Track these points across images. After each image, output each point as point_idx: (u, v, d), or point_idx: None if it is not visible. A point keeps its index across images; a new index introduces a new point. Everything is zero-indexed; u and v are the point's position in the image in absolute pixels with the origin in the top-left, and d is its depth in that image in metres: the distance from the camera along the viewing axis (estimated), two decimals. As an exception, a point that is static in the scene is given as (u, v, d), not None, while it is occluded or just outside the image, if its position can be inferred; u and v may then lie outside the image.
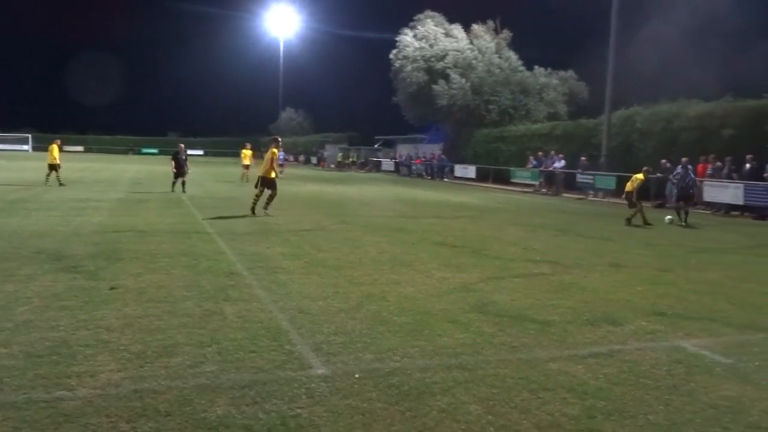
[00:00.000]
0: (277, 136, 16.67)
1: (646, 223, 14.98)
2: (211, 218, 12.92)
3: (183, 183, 19.77)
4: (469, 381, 4.22)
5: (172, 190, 19.54)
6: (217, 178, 26.50)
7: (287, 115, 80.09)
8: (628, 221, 14.98)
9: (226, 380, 4.06)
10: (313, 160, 59.52)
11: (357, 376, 4.23)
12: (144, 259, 8.10)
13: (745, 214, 19.05)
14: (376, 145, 56.12)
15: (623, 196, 16.49)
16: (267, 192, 14.00)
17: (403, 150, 48.81)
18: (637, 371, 4.55)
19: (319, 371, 4.31)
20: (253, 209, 13.76)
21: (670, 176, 19.27)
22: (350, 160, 52.41)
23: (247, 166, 27.45)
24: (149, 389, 3.88)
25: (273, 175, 14.09)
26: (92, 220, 11.93)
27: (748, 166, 19.46)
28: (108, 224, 11.45)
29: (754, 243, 12.69)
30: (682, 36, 36.92)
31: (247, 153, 27.98)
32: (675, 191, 16.41)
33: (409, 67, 42.20)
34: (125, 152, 79.41)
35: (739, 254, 10.94)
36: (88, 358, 4.38)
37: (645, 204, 16.29)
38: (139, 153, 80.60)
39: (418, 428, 3.50)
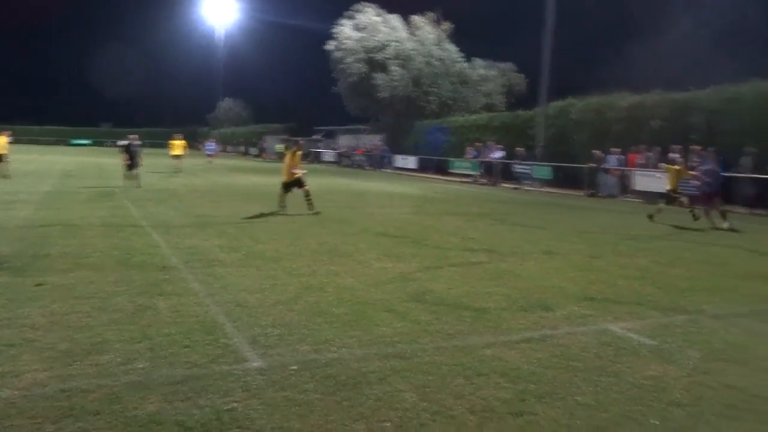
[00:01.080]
0: (299, 141, 16.27)
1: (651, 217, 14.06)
2: (145, 210, 12.57)
3: (136, 176, 18.98)
4: (405, 369, 4.26)
5: (123, 184, 18.78)
6: (153, 169, 25.77)
7: (226, 105, 78.62)
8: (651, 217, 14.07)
9: (159, 376, 3.97)
10: (253, 151, 58.64)
11: (294, 367, 4.21)
12: (73, 254, 7.82)
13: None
14: (316, 136, 55.74)
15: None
16: (300, 191, 13.55)
17: (345, 141, 48.69)
18: (568, 354, 4.69)
19: (255, 364, 4.27)
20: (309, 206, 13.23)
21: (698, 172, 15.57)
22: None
23: (177, 157, 27.15)
24: (77, 388, 3.76)
25: (294, 175, 13.73)
26: (19, 214, 11.43)
27: (674, 156, 20.25)
28: (36, 218, 10.99)
29: (681, 229, 13.24)
30: (618, 29, 38.13)
31: (177, 143, 27.68)
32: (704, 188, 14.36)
33: (349, 58, 42.04)
34: (56, 143, 76.27)
35: (666, 240, 11.40)
36: (12, 358, 4.21)
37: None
38: (69, 144, 77.51)
39: (354, 417, 3.52)
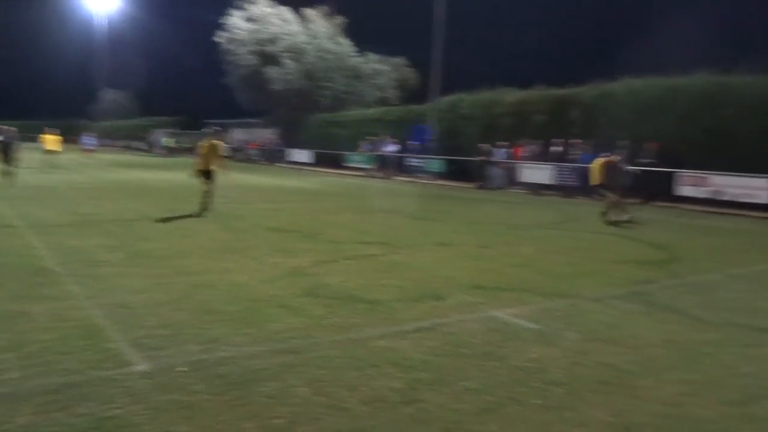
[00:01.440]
0: (217, 128, 14.74)
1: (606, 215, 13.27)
2: (20, 209, 11.70)
3: (12, 172, 17.48)
4: (298, 364, 4.24)
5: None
6: (28, 164, 24.02)
7: (110, 96, 74.49)
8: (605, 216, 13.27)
9: (32, 386, 3.71)
10: (142, 145, 55.98)
11: (182, 369, 4.07)
12: (-67, 259, 7.16)
13: (557, 192, 20.96)
14: (207, 129, 54.05)
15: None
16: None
17: (237, 135, 47.57)
18: (457, 342, 4.84)
19: (140, 368, 4.09)
20: None
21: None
22: (180, 145, 49.99)
23: (50, 152, 25.78)
24: (-63, 404, 3.45)
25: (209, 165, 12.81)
26: None
27: (556, 148, 21.40)
28: None
29: (562, 218, 14.02)
30: (504, 26, 39.61)
31: (50, 138, 26.14)
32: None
33: (240, 50, 41.08)
34: None
35: (549, 229, 12.02)
36: None
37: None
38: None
39: (245, 416, 3.45)
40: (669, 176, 18.00)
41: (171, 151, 47.84)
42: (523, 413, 3.62)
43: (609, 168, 13.24)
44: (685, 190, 17.37)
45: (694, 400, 3.89)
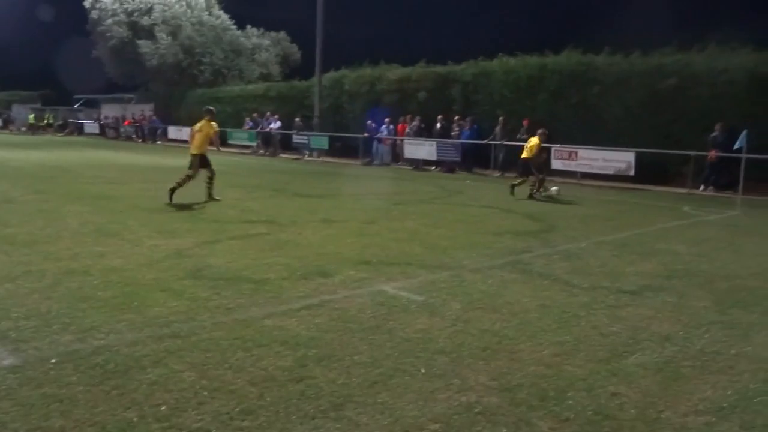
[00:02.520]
0: (211, 108, 12.57)
1: (532, 195, 13.41)
2: None
3: None
4: (182, 349, 4.09)
5: None
6: None
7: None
8: (513, 189, 13.55)
9: None
10: (-2, 122, 51.37)
11: (53, 361, 3.81)
12: None
13: (437, 168, 21.54)
14: (76, 105, 50.48)
15: (519, 164, 14.03)
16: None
17: (109, 110, 44.79)
18: (345, 317, 4.87)
19: (6, 362, 3.78)
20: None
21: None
22: (45, 121, 46.43)
23: None
24: None
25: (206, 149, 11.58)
26: None
27: (438, 125, 21.93)
28: None
29: (444, 193, 14.43)
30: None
31: None
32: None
33: (108, 20, 38.56)
34: None
35: (432, 204, 12.34)
36: None
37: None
38: None
39: (125, 405, 3.29)
40: (544, 151, 18.96)
41: (33, 129, 44.27)
42: (410, 383, 3.72)
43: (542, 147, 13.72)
44: (557, 164, 18.39)
45: (567, 360, 4.16)
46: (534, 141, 13.57)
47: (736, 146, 13.40)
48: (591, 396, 3.62)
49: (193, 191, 11.19)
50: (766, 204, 14.09)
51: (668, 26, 24.51)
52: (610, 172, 17.35)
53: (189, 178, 11.12)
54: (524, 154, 13.61)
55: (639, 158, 16.69)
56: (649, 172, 16.86)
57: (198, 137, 11.54)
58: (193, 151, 11.53)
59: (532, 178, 13.57)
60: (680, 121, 17.09)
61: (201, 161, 11.40)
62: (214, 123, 11.83)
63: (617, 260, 7.38)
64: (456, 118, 21.73)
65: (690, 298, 5.80)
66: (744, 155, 13.39)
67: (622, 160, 17.13)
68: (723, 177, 16.00)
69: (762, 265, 7.40)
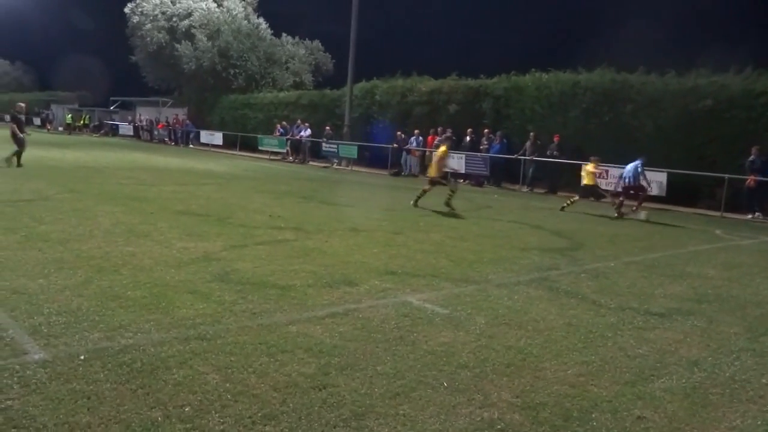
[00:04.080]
0: (449, 133, 13.97)
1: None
2: None
3: (19, 154, 16.04)
4: (207, 351, 4.14)
5: (19, 164, 15.88)
6: None
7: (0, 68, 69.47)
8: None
9: None
10: (37, 121, 52.59)
11: (82, 357, 3.89)
12: None
13: (466, 181, 21.47)
14: (112, 107, 51.50)
15: (582, 190, 14.72)
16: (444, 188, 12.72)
17: (144, 113, 45.61)
18: (369, 327, 4.88)
19: (37, 356, 3.86)
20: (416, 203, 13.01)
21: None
22: (81, 122, 47.44)
23: None
24: None
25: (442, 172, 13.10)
26: None
27: (467, 138, 21.88)
28: None
29: (472, 206, 14.37)
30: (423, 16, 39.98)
31: None
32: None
33: (148, 25, 39.32)
34: None
35: (458, 217, 12.29)
36: None
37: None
38: None
39: (150, 405, 3.34)
40: (573, 168, 18.79)
41: (70, 129, 45.27)
42: (432, 396, 3.70)
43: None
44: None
45: (592, 380, 4.11)
46: (590, 168, 14.27)
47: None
48: (616, 419, 3.57)
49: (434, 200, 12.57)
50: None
51: (704, 47, 24.21)
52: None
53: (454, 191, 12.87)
54: (586, 181, 14.33)
55: (671, 179, 16.43)
56: (681, 193, 16.59)
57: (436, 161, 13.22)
58: (431, 174, 13.25)
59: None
60: (715, 143, 16.80)
61: (437, 182, 13.05)
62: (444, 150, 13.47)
63: (646, 281, 7.27)
64: (486, 131, 21.66)
65: (720, 323, 5.69)
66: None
67: (655, 180, 16.88)
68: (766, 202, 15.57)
69: (796, 292, 7.22)
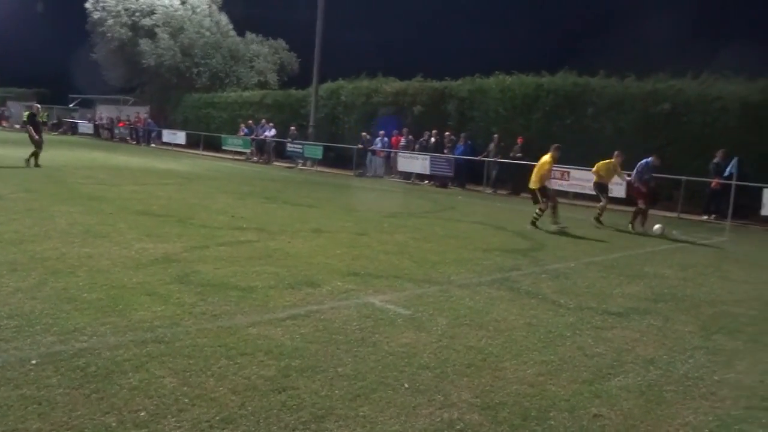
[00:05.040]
0: (558, 145, 12.49)
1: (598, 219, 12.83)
2: None
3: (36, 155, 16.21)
4: (164, 354, 4.07)
5: (37, 164, 16.16)
6: None
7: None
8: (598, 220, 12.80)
9: None
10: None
11: (34, 362, 3.78)
12: None
13: (430, 182, 21.57)
14: (71, 105, 50.29)
15: (594, 187, 13.66)
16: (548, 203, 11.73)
17: (105, 111, 44.63)
18: (331, 328, 4.86)
19: (-15, 361, 3.75)
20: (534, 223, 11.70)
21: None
22: (40, 119, 46.16)
23: None
24: None
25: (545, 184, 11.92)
26: None
27: (431, 139, 21.99)
28: None
29: (436, 207, 14.46)
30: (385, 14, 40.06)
31: None
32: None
33: (110, 21, 38.50)
34: None
35: (423, 218, 12.35)
36: None
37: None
38: None
39: (104, 410, 3.26)
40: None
41: (23, 126, 43.94)
42: (393, 397, 3.70)
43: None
44: (550, 183, 18.44)
45: (551, 379, 4.16)
46: (607, 163, 13.11)
47: (726, 173, 13.49)
48: (573, 417, 3.62)
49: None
50: (754, 231, 14.20)
51: (663, 52, 24.79)
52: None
53: (543, 210, 11.73)
54: (596, 179, 13.32)
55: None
56: (640, 195, 16.93)
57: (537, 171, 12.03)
58: (533, 186, 12.01)
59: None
60: (673, 146, 17.19)
61: (541, 193, 11.89)
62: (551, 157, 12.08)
63: (605, 281, 7.40)
64: (447, 133, 21.80)
65: (675, 322, 5.82)
66: (734, 182, 13.50)
67: (615, 182, 17.19)
68: (725, 204, 15.83)
69: (748, 292, 7.44)
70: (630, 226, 12.41)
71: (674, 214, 16.01)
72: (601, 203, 13.10)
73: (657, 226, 12.23)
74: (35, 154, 16.40)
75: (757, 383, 4.39)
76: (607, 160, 13.13)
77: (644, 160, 12.98)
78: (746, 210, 15.30)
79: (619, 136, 18.13)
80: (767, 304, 6.88)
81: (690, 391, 4.15)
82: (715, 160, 15.73)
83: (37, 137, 16.52)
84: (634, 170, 13.04)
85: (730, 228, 13.29)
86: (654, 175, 13.07)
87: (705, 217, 15.94)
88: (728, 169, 13.49)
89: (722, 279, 8.15)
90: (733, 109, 16.29)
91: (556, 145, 12.43)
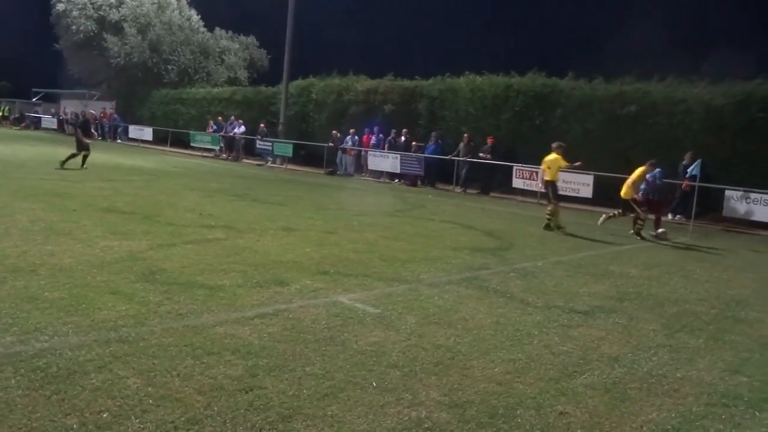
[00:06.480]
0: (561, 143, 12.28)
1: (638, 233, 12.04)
2: None
3: (85, 156, 16.76)
4: (128, 354, 3.99)
5: (83, 166, 16.33)
6: None
7: None
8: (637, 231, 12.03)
9: None
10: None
11: (-8, 362, 3.68)
12: None
13: (400, 181, 21.60)
14: (34, 99, 49.11)
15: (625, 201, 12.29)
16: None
17: (69, 106, 43.67)
18: (299, 327, 4.82)
19: (-60, 362, 3.63)
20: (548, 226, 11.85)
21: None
22: (1, 114, 45.02)
23: None
24: None
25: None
26: None
27: (402, 138, 22.02)
28: None
29: (406, 206, 14.48)
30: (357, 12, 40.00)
31: None
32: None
33: (75, 13, 37.68)
34: None
35: (393, 216, 12.36)
36: None
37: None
38: None
39: (65, 411, 3.19)
40: (505, 169, 19.19)
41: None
42: (361, 396, 3.69)
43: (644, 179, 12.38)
44: (518, 183, 18.64)
45: (518, 378, 4.19)
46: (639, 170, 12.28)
47: (688, 174, 13.76)
48: (539, 415, 3.65)
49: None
50: (716, 231, 14.53)
51: (631, 55, 25.19)
52: (571, 193, 17.66)
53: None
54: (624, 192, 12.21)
55: (598, 181, 17.01)
56: (607, 195, 17.19)
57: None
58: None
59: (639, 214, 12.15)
60: (639, 147, 17.46)
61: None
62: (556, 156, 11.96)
63: (572, 280, 7.49)
64: (405, 131, 21.83)
65: (639, 320, 5.92)
66: (697, 183, 13.79)
67: (583, 182, 17.45)
68: (690, 206, 16.00)
69: (709, 291, 7.61)
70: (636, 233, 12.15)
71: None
72: (613, 212, 12.60)
73: (661, 229, 12.38)
74: (84, 156, 16.82)
75: (717, 380, 4.48)
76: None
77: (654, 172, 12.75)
78: (709, 211, 15.66)
79: (586, 137, 18.40)
80: (728, 302, 7.04)
81: (653, 389, 4.22)
82: (684, 162, 16.03)
83: (85, 141, 17.02)
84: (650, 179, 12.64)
85: (693, 228, 13.57)
86: (620, 175, 13.22)
87: (670, 217, 16.24)
88: (690, 171, 13.77)
89: (685, 278, 8.32)
90: (697, 112, 16.65)
91: (560, 143, 12.38)
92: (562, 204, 13.56)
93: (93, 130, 19.00)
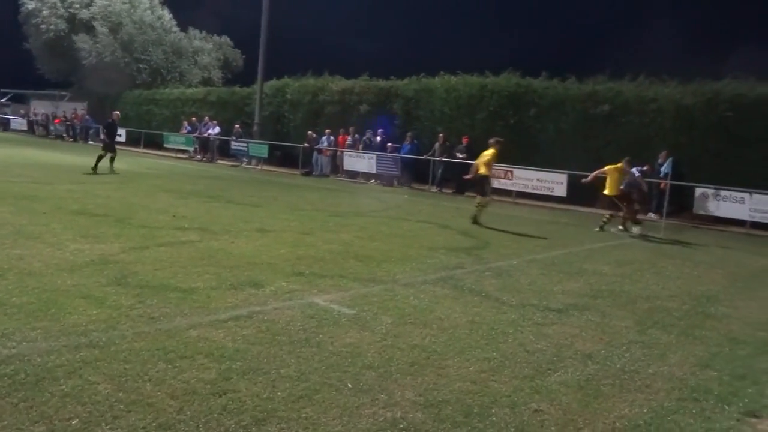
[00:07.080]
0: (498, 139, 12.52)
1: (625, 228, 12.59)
2: None
3: (112, 159, 17.20)
4: (99, 359, 3.92)
5: (112, 170, 16.65)
6: None
7: None
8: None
9: None
10: None
11: (-43, 370, 3.59)
12: None
13: (377, 181, 21.61)
14: (3, 100, 48.18)
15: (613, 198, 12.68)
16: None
17: (39, 107, 42.93)
18: (274, 329, 4.79)
19: None
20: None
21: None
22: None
23: None
24: None
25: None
26: None
27: (378, 138, 22.04)
28: None
29: (382, 206, 14.48)
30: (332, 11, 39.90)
31: None
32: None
33: (45, 11, 37.05)
34: None
35: (369, 217, 12.35)
36: None
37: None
38: None
39: (33, 418, 3.12)
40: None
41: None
42: (336, 397, 3.68)
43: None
44: (493, 182, 18.73)
45: (493, 376, 4.21)
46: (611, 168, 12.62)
47: (662, 173, 13.97)
48: (514, 413, 3.67)
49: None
50: (687, 229, 14.77)
51: (603, 54, 25.52)
52: (544, 192, 17.84)
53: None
54: (607, 191, 12.63)
55: (571, 180, 17.18)
56: (580, 194, 17.39)
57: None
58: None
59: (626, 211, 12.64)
60: (611, 146, 17.71)
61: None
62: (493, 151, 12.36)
63: (546, 279, 7.55)
64: (380, 131, 21.86)
65: (612, 317, 5.99)
66: (669, 181, 14.01)
67: (556, 181, 17.63)
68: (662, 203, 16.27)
69: (681, 287, 7.73)
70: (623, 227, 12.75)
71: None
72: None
73: (636, 227, 12.58)
74: (111, 159, 17.19)
75: (688, 375, 4.55)
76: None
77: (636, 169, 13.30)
78: (680, 208, 15.92)
79: (559, 136, 18.62)
80: (698, 298, 7.16)
81: (626, 385, 4.27)
82: (659, 161, 16.27)
83: (109, 143, 17.45)
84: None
85: (665, 226, 13.78)
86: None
87: (652, 216, 16.46)
88: (663, 169, 13.99)
89: (657, 275, 8.44)
90: (668, 111, 16.93)
91: (498, 139, 12.71)
92: (536, 203, 13.72)
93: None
